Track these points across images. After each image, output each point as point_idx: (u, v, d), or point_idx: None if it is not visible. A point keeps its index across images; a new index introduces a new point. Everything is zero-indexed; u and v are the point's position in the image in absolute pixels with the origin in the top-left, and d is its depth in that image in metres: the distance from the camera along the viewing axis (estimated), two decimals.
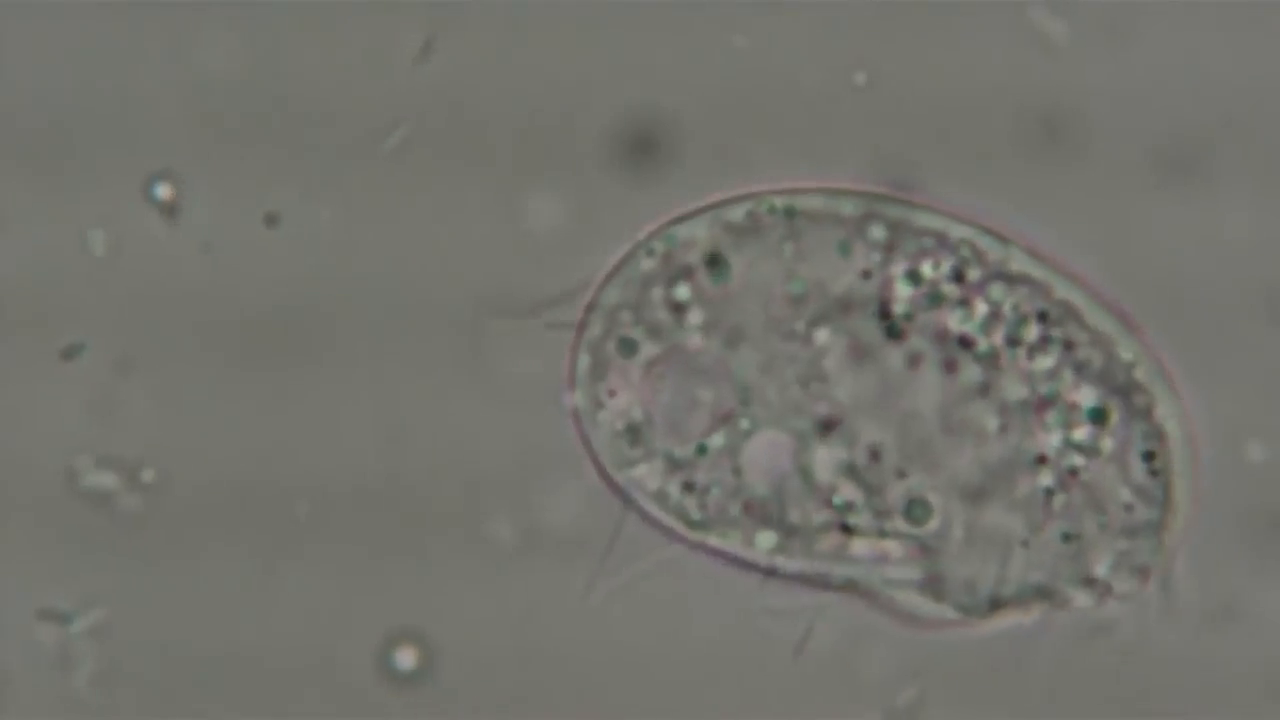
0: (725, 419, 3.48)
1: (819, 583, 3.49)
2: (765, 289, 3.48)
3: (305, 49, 3.58)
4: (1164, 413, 3.46)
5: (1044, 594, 3.47)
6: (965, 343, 3.46)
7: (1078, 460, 3.46)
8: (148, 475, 3.54)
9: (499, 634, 3.53)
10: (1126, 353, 3.47)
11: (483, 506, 3.53)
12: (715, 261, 3.49)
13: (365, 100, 3.56)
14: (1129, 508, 3.47)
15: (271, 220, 3.50)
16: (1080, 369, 3.47)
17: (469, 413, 3.53)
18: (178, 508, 3.55)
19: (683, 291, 3.49)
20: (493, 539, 3.53)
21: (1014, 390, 3.46)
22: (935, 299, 3.47)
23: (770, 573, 3.49)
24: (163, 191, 3.52)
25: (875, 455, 3.46)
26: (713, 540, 3.50)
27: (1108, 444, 3.46)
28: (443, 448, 3.53)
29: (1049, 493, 3.46)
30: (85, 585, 3.55)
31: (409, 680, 3.54)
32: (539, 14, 3.56)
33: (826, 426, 3.47)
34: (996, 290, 3.47)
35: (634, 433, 3.50)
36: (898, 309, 3.46)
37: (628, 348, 3.49)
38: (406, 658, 3.54)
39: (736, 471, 3.48)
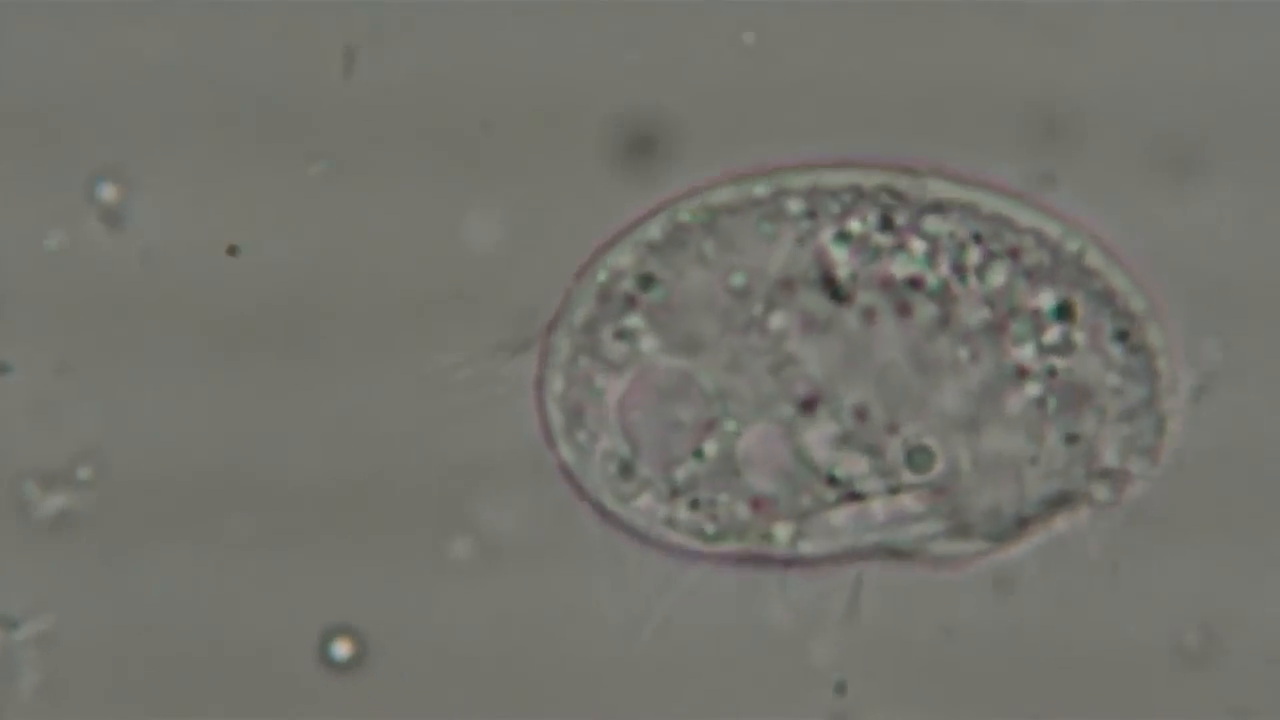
0: (709, 429, 3.48)
1: (848, 557, 3.49)
2: (705, 293, 3.50)
3: (281, 42, 3.57)
4: (1125, 290, 3.49)
5: (1065, 499, 3.48)
6: (915, 283, 3.48)
7: (1057, 362, 3.47)
8: (84, 473, 3.52)
9: (438, 629, 3.53)
10: (1072, 244, 3.49)
11: (432, 506, 3.52)
12: (648, 283, 3.50)
13: (336, 97, 3.55)
14: (1119, 391, 3.48)
15: (233, 251, 3.49)
16: (1032, 274, 3.48)
17: (421, 413, 3.52)
18: (123, 510, 3.53)
19: (633, 320, 3.50)
20: (441, 538, 3.53)
21: (973, 315, 3.47)
22: (874, 253, 3.48)
23: (793, 563, 3.49)
24: (107, 193, 3.49)
25: (862, 415, 3.47)
26: (730, 545, 3.50)
27: (1080, 338, 3.48)
28: (393, 449, 3.52)
29: (1040, 402, 3.47)
30: (27, 591, 3.52)
31: (346, 670, 3.53)
32: (513, 8, 3.57)
33: (808, 405, 3.47)
34: (932, 223, 3.49)
35: (627, 470, 3.50)
36: (841, 273, 3.48)
37: (596, 395, 3.50)
38: (342, 649, 3.53)
39: (735, 473, 3.49)
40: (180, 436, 3.53)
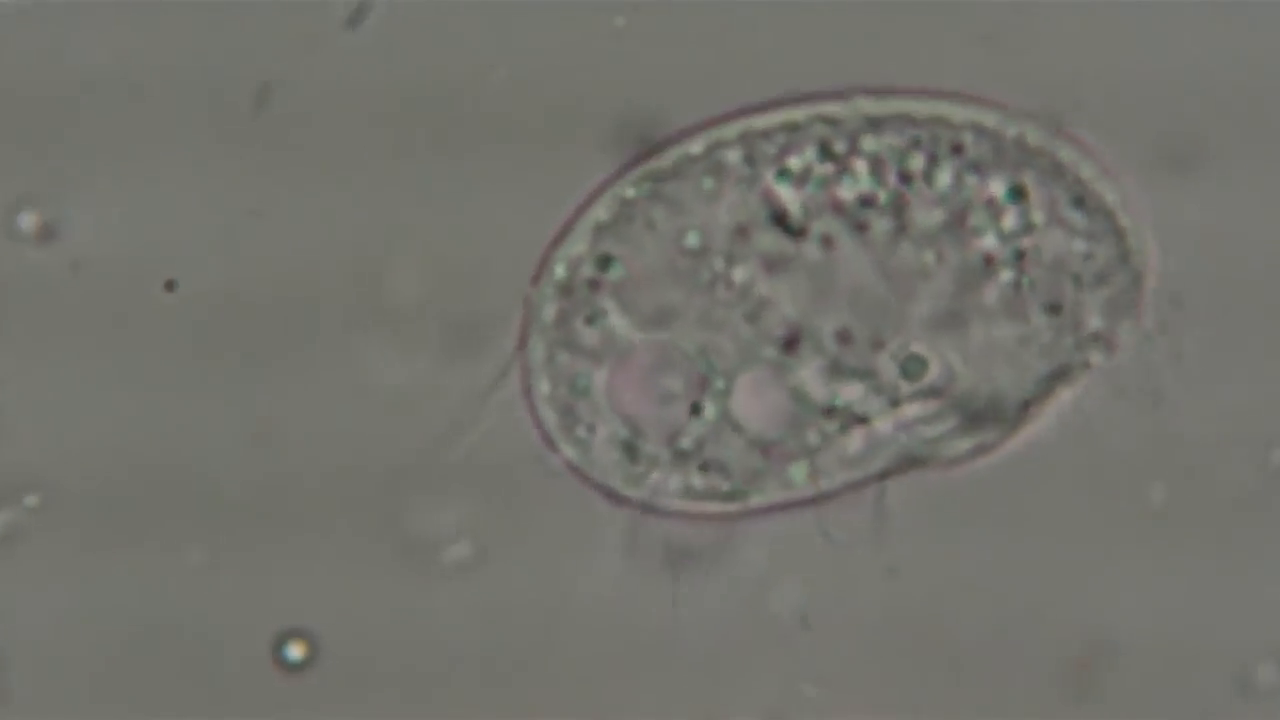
0: (703, 389, 3.49)
1: (870, 480, 3.50)
2: (662, 261, 3.51)
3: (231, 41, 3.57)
4: (1070, 160, 3.50)
5: (1063, 373, 3.49)
6: (867, 202, 3.49)
7: (1023, 243, 3.49)
8: (31, 500, 3.52)
9: (386, 627, 3.53)
10: (1010, 128, 3.50)
11: (363, 507, 3.53)
12: (607, 262, 3.51)
13: (287, 96, 3.55)
14: (1089, 256, 3.50)
15: (170, 286, 3.49)
16: (977, 166, 3.50)
17: (352, 416, 3.52)
18: (71, 520, 3.53)
19: (601, 302, 3.52)
20: (378, 537, 3.54)
21: (928, 219, 3.48)
22: (820, 184, 3.50)
23: (821, 499, 3.51)
24: (27, 221, 3.49)
25: (845, 339, 3.48)
26: (754, 500, 3.51)
27: (1039, 216, 3.49)
28: (322, 451, 3.52)
29: (1015, 286, 3.48)
30: None
31: (299, 671, 3.54)
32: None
33: (790, 344, 3.49)
34: (869, 142, 3.50)
35: (631, 450, 3.51)
36: (793, 209, 3.49)
37: (581, 390, 3.51)
38: (295, 650, 3.54)
39: (737, 428, 3.50)
40: (123, 445, 3.51)
